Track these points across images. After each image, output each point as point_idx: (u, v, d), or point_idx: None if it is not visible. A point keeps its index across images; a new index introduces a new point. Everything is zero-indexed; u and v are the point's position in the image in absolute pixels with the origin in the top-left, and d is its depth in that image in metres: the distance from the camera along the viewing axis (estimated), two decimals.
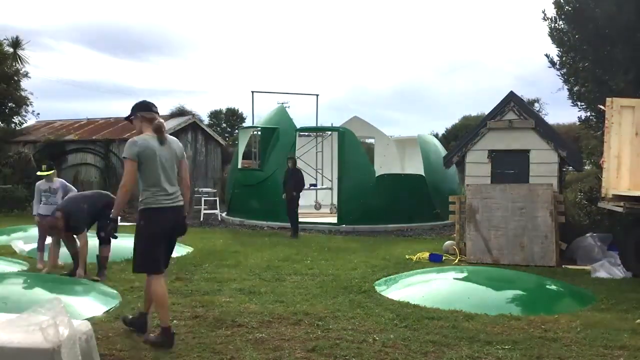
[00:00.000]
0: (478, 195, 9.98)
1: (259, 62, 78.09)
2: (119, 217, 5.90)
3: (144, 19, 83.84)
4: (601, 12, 10.41)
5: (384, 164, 19.22)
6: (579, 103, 12.04)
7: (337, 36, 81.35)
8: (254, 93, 17.69)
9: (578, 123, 13.42)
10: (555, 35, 11.68)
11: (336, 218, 14.90)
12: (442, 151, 16.16)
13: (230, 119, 46.43)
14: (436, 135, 27.51)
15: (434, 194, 15.03)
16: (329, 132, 18.30)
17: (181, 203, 5.09)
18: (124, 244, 9.94)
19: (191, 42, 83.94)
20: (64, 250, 8.17)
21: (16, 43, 21.73)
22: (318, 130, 18.34)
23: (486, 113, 11.41)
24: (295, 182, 13.05)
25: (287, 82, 77.72)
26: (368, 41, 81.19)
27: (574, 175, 14.98)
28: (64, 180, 9.26)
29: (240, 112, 46.11)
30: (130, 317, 5.41)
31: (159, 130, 4.95)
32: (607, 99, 8.66)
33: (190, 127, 21.64)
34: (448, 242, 10.62)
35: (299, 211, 15.34)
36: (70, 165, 20.82)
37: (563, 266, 9.25)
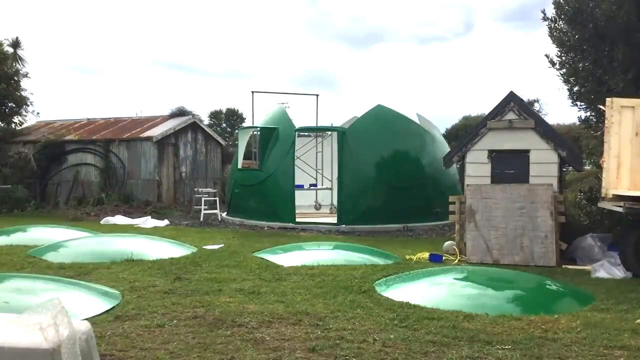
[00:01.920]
0: (478, 195, 9.99)
1: (259, 62, 78.04)
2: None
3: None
4: (601, 12, 10.41)
5: None
6: (578, 103, 12.03)
7: (336, 36, 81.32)
8: (254, 93, 17.69)
9: (578, 123, 13.41)
10: (555, 36, 11.68)
11: (336, 218, 14.89)
12: (444, 149, 16.11)
13: (230, 119, 46.44)
14: None
15: (433, 193, 15.01)
16: (329, 132, 18.29)
17: None
18: (123, 245, 10.03)
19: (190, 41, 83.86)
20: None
21: (16, 43, 21.77)
22: (317, 130, 18.34)
23: (486, 113, 11.41)
24: None
25: (288, 83, 77.72)
26: (367, 39, 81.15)
27: (574, 175, 14.98)
28: None
29: (240, 112, 46.14)
30: None
31: None
32: (607, 99, 8.66)
33: (190, 127, 21.65)
34: (448, 243, 10.62)
35: (300, 211, 15.38)
36: (70, 165, 20.83)
37: (563, 266, 9.25)
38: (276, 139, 15.85)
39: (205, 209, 16.67)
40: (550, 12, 11.70)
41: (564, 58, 11.84)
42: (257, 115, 17.84)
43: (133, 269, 8.42)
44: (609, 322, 5.77)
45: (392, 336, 5.24)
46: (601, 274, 8.44)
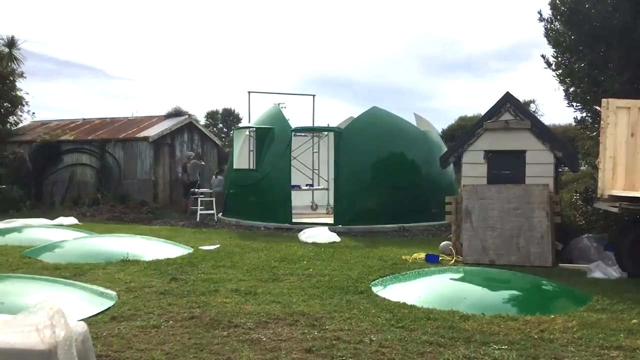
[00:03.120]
0: (474, 196, 10.00)
1: (256, 62, 78.05)
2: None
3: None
4: (597, 13, 10.44)
5: None
6: (574, 104, 12.05)
7: (335, 36, 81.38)
8: (251, 93, 17.67)
9: (574, 124, 13.44)
10: (551, 36, 11.70)
11: (332, 218, 14.89)
12: (440, 149, 16.13)
13: (226, 119, 46.42)
14: None
15: (430, 194, 15.03)
16: (325, 133, 18.29)
17: None
18: (119, 245, 10.01)
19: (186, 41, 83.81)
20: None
21: (11, 43, 21.66)
22: (314, 131, 18.33)
23: (482, 114, 11.42)
24: None
25: (284, 83, 77.77)
26: (365, 41, 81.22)
27: (569, 176, 15.00)
28: None
29: (236, 112, 46.13)
30: None
31: None
32: (603, 99, 8.68)
33: (186, 128, 21.62)
34: (444, 243, 10.63)
35: (296, 212, 15.37)
36: (66, 166, 20.77)
37: (559, 265, 9.27)
38: (272, 139, 15.83)
39: (201, 210, 16.64)
40: (547, 12, 11.74)
41: (559, 59, 11.85)
42: (254, 116, 17.84)
43: (129, 270, 8.41)
44: (604, 322, 5.79)
45: (388, 336, 5.24)
46: (597, 274, 8.46)
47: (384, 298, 6.80)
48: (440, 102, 68.90)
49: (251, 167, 16.03)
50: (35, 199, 20.30)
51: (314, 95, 18.83)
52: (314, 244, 11.47)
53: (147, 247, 10.13)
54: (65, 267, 8.56)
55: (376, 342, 5.08)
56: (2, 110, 21.33)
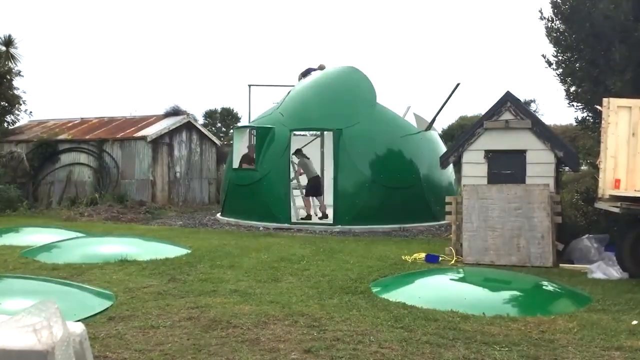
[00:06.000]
0: (474, 196, 9.96)
1: (256, 61, 78.01)
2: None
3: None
4: (598, 12, 10.41)
5: None
6: (575, 103, 12.04)
7: (334, 35, 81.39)
8: (251, 87, 17.51)
9: (575, 124, 13.43)
10: (552, 35, 11.68)
11: (331, 218, 14.84)
12: (440, 149, 16.09)
13: (225, 118, 46.32)
14: None
15: (430, 194, 15.00)
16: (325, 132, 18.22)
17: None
18: (116, 246, 9.97)
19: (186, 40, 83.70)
20: None
21: (8, 41, 21.58)
22: (313, 130, 18.27)
23: (482, 113, 11.39)
24: None
25: (284, 82, 77.66)
26: (366, 39, 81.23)
27: (570, 176, 14.98)
28: None
29: (235, 112, 46.03)
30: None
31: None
32: (604, 99, 8.65)
33: (184, 127, 21.55)
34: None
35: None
36: (63, 165, 20.70)
37: (560, 266, 9.24)
38: (272, 138, 15.78)
39: None
40: (547, 11, 11.72)
41: (560, 58, 11.84)
42: (254, 111, 17.71)
43: (127, 270, 8.36)
44: (605, 322, 5.76)
45: (388, 337, 5.20)
46: (598, 274, 8.43)
47: (384, 298, 6.76)
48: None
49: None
50: (32, 198, 20.22)
51: None
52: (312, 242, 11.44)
53: (145, 247, 10.09)
54: (63, 268, 8.52)
55: (376, 342, 5.05)
56: None
